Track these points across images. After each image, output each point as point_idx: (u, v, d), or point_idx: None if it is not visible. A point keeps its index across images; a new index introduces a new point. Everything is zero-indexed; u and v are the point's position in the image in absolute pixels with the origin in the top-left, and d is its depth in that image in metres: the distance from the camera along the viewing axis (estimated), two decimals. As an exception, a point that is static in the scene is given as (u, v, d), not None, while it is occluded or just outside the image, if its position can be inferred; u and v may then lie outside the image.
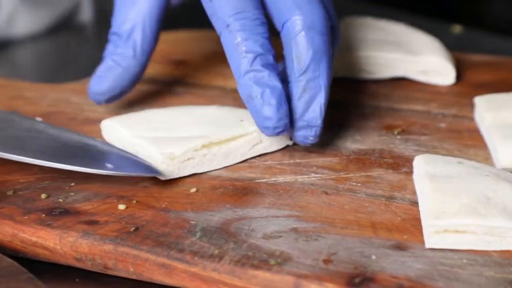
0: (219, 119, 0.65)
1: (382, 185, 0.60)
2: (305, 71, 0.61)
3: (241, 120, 0.64)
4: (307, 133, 0.62)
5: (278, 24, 0.62)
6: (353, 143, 0.65)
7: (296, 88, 0.61)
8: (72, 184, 0.60)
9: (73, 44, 0.92)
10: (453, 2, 1.23)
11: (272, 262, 0.53)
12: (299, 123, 0.62)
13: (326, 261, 0.53)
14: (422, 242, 0.54)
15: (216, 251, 0.54)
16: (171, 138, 0.62)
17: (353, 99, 0.71)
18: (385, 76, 0.74)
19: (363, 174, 0.61)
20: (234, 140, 0.63)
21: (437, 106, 0.70)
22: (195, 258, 0.53)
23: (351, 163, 0.63)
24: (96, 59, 0.70)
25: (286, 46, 0.62)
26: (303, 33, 0.61)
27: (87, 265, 0.55)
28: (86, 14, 0.94)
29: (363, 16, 0.81)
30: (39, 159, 0.60)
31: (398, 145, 0.65)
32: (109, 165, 0.60)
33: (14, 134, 0.63)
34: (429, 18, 0.92)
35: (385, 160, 0.63)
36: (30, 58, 0.90)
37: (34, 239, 0.56)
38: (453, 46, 0.77)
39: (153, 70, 0.75)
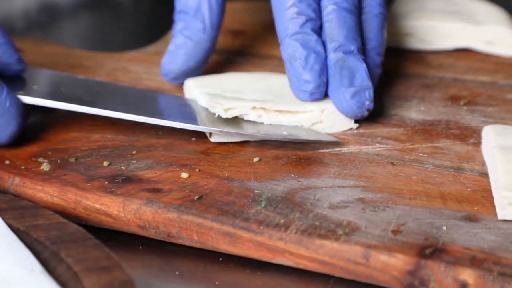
0: (287, 89, 0.63)
1: (450, 156, 0.59)
2: (339, 46, 0.61)
3: None
4: (362, 98, 0.60)
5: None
6: (418, 114, 0.64)
7: (335, 63, 0.61)
8: (134, 152, 0.60)
9: (118, 16, 0.92)
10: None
11: (340, 232, 0.52)
12: (349, 91, 0.60)
13: (395, 232, 0.52)
14: (494, 213, 0.53)
15: (282, 221, 0.53)
16: (232, 98, 0.62)
17: (415, 70, 0.70)
18: (447, 47, 0.73)
19: (429, 145, 0.60)
20: (292, 114, 0.62)
21: (504, 76, 0.68)
22: (261, 227, 0.52)
23: (416, 133, 0.61)
24: (142, 32, 0.70)
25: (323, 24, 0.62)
26: (337, 13, 0.61)
27: (151, 233, 0.55)
28: None
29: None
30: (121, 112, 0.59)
31: (465, 116, 0.63)
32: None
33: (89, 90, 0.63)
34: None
35: (452, 131, 0.61)
36: (82, 27, 0.90)
37: (97, 206, 0.55)
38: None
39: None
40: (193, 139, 0.61)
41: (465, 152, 0.59)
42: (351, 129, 0.62)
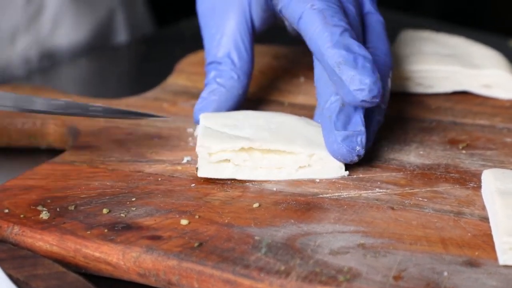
0: (284, 130, 0.63)
1: (450, 201, 0.59)
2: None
3: (305, 136, 0.62)
4: (352, 143, 0.60)
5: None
6: (417, 158, 0.64)
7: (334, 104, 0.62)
8: (133, 199, 0.60)
9: (116, 62, 0.92)
10: (509, 16, 1.21)
11: (341, 278, 0.51)
12: (342, 134, 0.60)
13: (397, 278, 0.51)
14: (495, 258, 0.52)
15: (283, 267, 0.53)
16: (226, 135, 0.62)
17: (414, 114, 0.70)
18: (445, 90, 0.73)
19: (429, 189, 0.60)
20: (278, 154, 0.62)
21: (502, 120, 0.69)
22: (261, 274, 0.52)
23: (416, 178, 0.61)
24: (139, 78, 0.70)
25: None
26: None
27: (151, 281, 0.54)
28: (122, 36, 0.95)
29: (420, 30, 0.80)
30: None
31: (464, 160, 0.63)
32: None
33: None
34: (485, 32, 0.91)
35: (451, 175, 0.61)
36: (78, 75, 0.90)
37: (97, 254, 0.55)
38: (511, 60, 0.76)
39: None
40: (193, 185, 0.61)
41: (465, 196, 0.59)
42: (343, 177, 0.62)
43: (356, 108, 0.61)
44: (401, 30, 0.79)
